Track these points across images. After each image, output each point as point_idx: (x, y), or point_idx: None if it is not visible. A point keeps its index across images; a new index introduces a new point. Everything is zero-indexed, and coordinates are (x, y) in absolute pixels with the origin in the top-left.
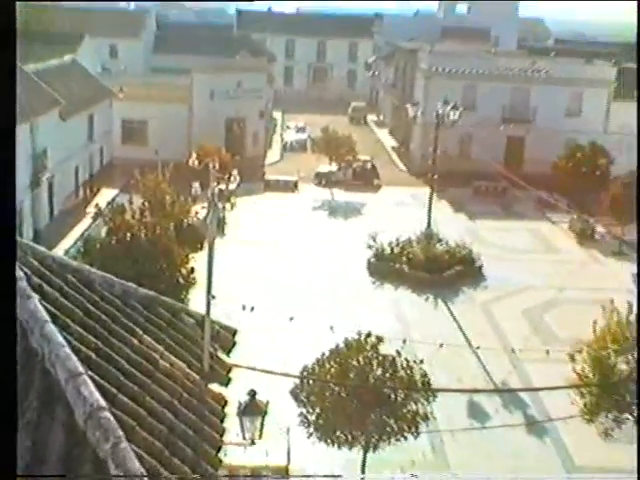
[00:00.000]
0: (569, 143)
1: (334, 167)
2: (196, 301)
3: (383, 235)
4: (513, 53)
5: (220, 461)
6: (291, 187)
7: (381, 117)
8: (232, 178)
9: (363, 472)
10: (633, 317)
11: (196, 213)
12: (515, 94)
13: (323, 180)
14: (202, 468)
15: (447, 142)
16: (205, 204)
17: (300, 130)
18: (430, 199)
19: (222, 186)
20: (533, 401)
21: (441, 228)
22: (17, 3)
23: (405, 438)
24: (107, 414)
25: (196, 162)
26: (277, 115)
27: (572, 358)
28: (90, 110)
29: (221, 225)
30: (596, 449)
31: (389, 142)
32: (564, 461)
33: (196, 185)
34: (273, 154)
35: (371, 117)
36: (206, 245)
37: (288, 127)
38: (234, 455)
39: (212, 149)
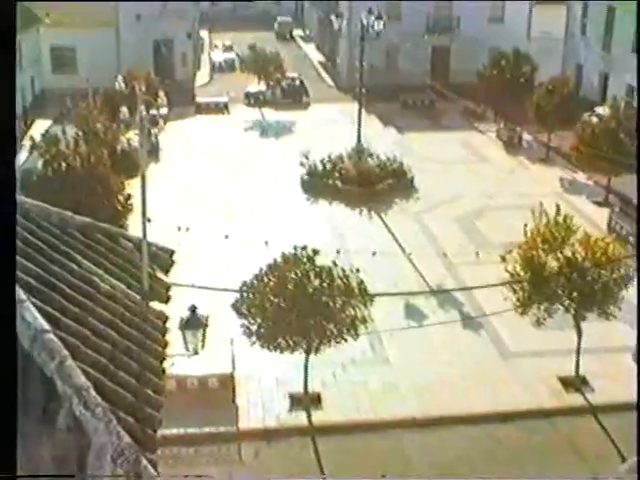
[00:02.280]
0: (493, 51)
1: (263, 86)
2: (134, 226)
3: (315, 152)
4: None
5: (163, 371)
6: (222, 109)
7: (307, 31)
8: (160, 101)
9: (306, 373)
10: (561, 218)
11: (129, 139)
12: (438, 2)
13: (253, 100)
14: (146, 378)
15: (373, 55)
16: (138, 130)
17: (227, 49)
18: (359, 114)
19: (153, 111)
20: (468, 300)
21: (371, 143)
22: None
23: (345, 340)
24: (51, 336)
25: (123, 86)
26: (204, 35)
27: (504, 259)
28: (17, 37)
29: (155, 150)
30: (529, 337)
31: (316, 57)
32: (499, 349)
33: (124, 110)
34: (202, 75)
35: (298, 32)
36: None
37: (216, 46)
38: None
39: (139, 73)
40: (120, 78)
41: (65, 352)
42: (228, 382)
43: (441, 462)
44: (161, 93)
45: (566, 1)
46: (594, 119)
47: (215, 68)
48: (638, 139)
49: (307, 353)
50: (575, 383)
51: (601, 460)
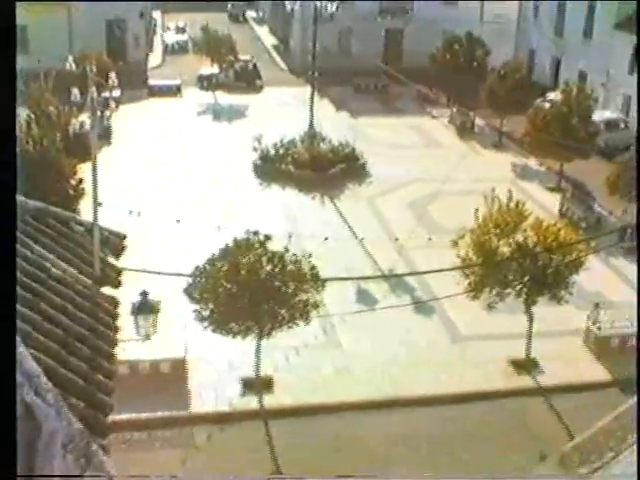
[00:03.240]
0: (447, 34)
1: (216, 69)
2: (87, 211)
3: (268, 137)
4: None
5: (115, 356)
6: (174, 91)
7: (260, 13)
8: (112, 83)
9: (258, 357)
10: (513, 204)
11: (82, 122)
12: None
13: (206, 83)
14: (98, 364)
15: (326, 37)
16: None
17: (180, 31)
18: (311, 98)
19: (105, 93)
20: (420, 285)
21: (324, 127)
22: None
23: (297, 325)
24: None
25: (74, 67)
26: (157, 16)
27: (455, 244)
28: None
29: (107, 133)
30: (480, 321)
31: (269, 40)
32: (451, 332)
33: (75, 92)
34: (155, 57)
35: (251, 13)
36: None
37: (168, 28)
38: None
39: (91, 54)
40: (71, 59)
41: (16, 339)
42: (180, 367)
43: (394, 443)
44: (113, 75)
45: None
46: (546, 104)
47: (168, 50)
48: (638, 133)
49: (259, 338)
50: (526, 366)
51: (550, 439)
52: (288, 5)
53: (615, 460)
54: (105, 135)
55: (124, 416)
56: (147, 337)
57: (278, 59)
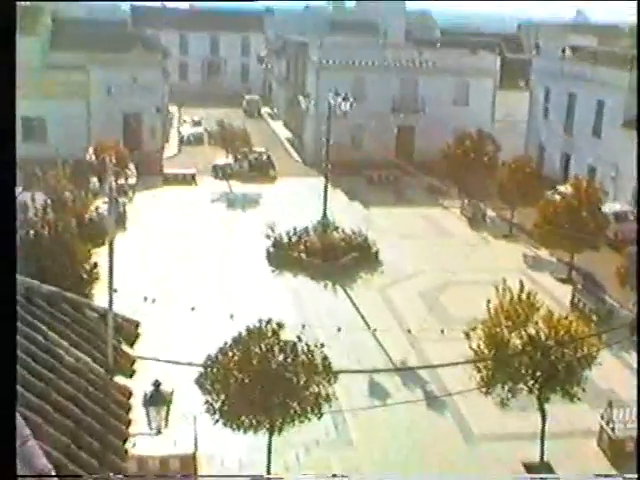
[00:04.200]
0: (457, 132)
1: (231, 159)
2: (100, 296)
3: (281, 225)
4: (401, 45)
5: (126, 452)
6: (189, 180)
7: (275, 110)
8: (129, 172)
9: (269, 454)
10: (524, 295)
11: (97, 208)
12: (404, 85)
13: (220, 172)
14: (109, 460)
15: (340, 132)
16: (106, 199)
17: (196, 124)
18: (325, 189)
19: (121, 181)
20: (432, 378)
21: (337, 216)
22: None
23: (309, 419)
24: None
25: (93, 157)
26: (173, 109)
27: (467, 336)
28: None
29: (122, 219)
30: (493, 418)
31: (284, 134)
32: (463, 431)
33: (94, 180)
34: (171, 148)
35: (266, 110)
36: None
37: (185, 121)
38: (143, 445)
39: (110, 144)
40: (91, 150)
41: (27, 431)
42: (190, 463)
43: None
44: (131, 165)
45: (528, 87)
46: (557, 197)
47: (183, 141)
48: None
49: (270, 433)
50: (540, 470)
51: None
52: (303, 103)
53: None
54: (120, 221)
55: None
56: (158, 431)
57: (292, 151)
